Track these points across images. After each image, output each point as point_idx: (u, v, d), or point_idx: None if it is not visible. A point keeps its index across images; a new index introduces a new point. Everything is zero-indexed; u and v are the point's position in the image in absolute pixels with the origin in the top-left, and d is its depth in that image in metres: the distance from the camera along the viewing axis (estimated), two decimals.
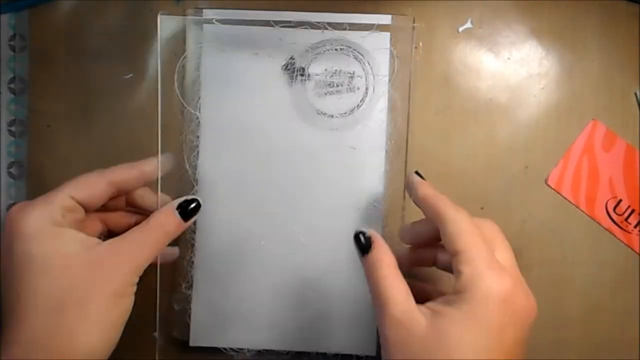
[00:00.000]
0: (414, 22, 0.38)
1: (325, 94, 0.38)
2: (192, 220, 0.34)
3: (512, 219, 0.40)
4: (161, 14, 0.37)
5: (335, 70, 0.38)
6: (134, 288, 0.32)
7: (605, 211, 0.40)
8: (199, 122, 0.39)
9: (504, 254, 0.30)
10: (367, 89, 0.38)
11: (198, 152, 0.39)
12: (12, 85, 0.41)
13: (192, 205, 0.34)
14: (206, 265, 0.39)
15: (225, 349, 0.39)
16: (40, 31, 0.41)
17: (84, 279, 0.30)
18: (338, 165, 0.39)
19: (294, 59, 0.38)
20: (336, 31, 0.38)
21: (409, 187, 0.34)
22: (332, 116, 0.39)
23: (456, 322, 0.27)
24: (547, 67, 0.40)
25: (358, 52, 0.38)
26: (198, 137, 0.39)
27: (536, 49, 0.40)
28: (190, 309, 0.39)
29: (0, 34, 0.41)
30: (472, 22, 0.40)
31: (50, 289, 0.29)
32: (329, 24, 0.38)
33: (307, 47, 0.38)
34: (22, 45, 0.41)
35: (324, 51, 0.38)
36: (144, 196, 0.36)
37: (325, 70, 0.38)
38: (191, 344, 0.39)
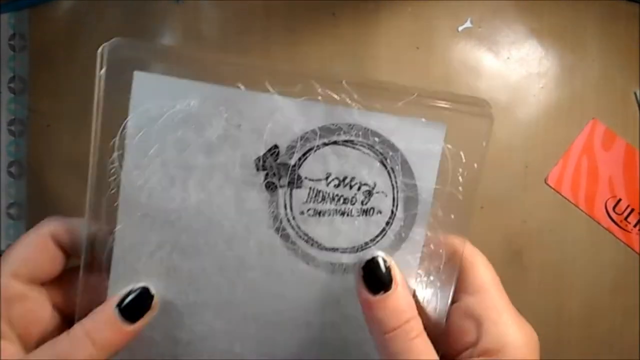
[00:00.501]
0: (489, 108, 0.24)
1: (322, 213, 0.24)
2: (145, 321, 0.23)
3: (512, 218, 0.40)
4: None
5: (345, 177, 0.24)
6: None
7: (604, 210, 0.40)
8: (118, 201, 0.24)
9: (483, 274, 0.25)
10: (393, 214, 0.25)
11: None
12: (12, 85, 0.41)
13: (143, 303, 0.23)
14: None
15: None
16: (40, 31, 0.41)
17: None
18: (346, 316, 0.25)
19: (277, 148, 0.23)
20: (355, 110, 0.23)
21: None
22: (328, 249, 0.25)
23: None
24: (546, 66, 0.40)
25: (388, 150, 0.24)
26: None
27: (536, 49, 0.40)
28: None
29: (0, 33, 0.41)
30: (471, 22, 0.40)
31: None
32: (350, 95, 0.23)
33: (304, 131, 0.23)
34: (22, 45, 0.41)
35: (330, 143, 0.24)
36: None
37: (328, 175, 0.24)
38: None
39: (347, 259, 0.25)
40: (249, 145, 0.23)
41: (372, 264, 0.23)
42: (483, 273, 0.25)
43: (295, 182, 0.24)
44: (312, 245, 0.24)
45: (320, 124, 0.23)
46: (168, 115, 0.23)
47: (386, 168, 0.24)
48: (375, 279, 0.22)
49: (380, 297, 0.22)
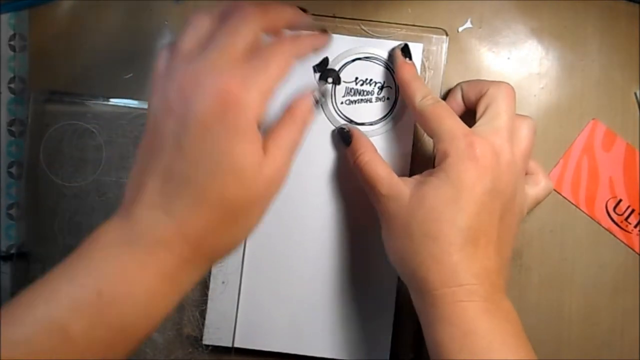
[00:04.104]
0: (446, 35, 0.39)
1: (355, 102, 0.39)
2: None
3: None
4: None
5: (366, 79, 0.39)
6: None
7: (605, 211, 0.40)
8: None
9: (485, 120, 0.33)
10: (396, 98, 0.39)
11: None
12: (12, 85, 0.41)
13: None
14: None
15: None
16: (40, 31, 0.41)
17: (260, 193, 0.30)
18: None
19: (327, 60, 0.39)
20: (370, 39, 0.39)
21: (393, 65, 0.38)
22: (359, 123, 0.39)
23: (433, 186, 0.31)
24: (547, 66, 0.40)
25: (389, 62, 0.38)
26: None
27: (536, 49, 0.40)
28: (203, 304, 0.39)
29: (1, 33, 0.41)
30: (471, 22, 0.40)
31: (233, 199, 0.29)
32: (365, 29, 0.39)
33: (340, 52, 0.38)
34: (22, 45, 0.41)
35: (356, 59, 0.39)
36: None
37: (356, 78, 0.39)
38: (206, 341, 0.39)
39: (366, 128, 0.39)
40: (311, 59, 0.38)
41: (339, 132, 0.38)
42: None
43: (336, 82, 0.39)
44: (348, 121, 0.39)
45: (350, 47, 0.39)
46: None
47: (390, 72, 0.38)
48: (343, 138, 0.37)
49: (349, 147, 0.37)
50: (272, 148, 0.31)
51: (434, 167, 0.33)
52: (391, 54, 0.38)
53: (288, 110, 0.33)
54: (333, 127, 0.39)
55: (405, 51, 0.37)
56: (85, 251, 0.28)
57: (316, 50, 0.36)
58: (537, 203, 0.36)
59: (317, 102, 0.34)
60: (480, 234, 0.31)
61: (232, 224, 0.30)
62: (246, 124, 0.29)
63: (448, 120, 0.33)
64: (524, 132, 0.33)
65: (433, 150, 0.38)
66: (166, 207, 0.29)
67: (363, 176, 0.34)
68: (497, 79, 0.40)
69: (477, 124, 0.33)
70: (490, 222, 0.31)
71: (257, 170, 0.29)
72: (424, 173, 0.33)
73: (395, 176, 0.33)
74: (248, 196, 0.30)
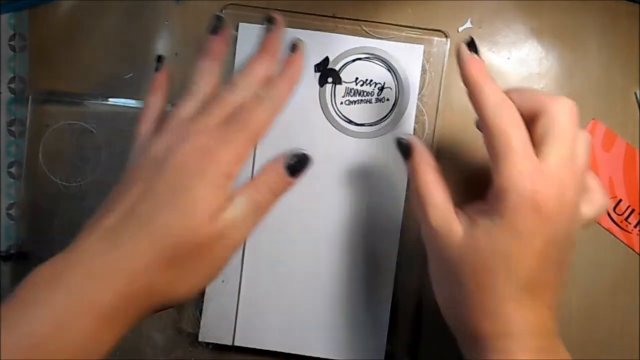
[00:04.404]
0: (447, 37, 0.39)
1: (354, 102, 0.38)
2: (301, 176, 0.35)
3: None
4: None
5: (366, 79, 0.38)
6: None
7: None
8: None
9: (551, 149, 0.28)
10: (396, 100, 0.38)
11: None
12: (12, 85, 0.41)
13: (303, 160, 0.35)
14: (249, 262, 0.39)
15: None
16: (40, 31, 0.41)
17: (209, 240, 0.30)
18: (361, 173, 0.39)
19: (328, 60, 0.38)
20: (371, 39, 0.38)
21: (457, 61, 0.32)
22: (358, 124, 0.38)
23: (488, 231, 0.28)
24: (547, 66, 0.40)
25: (390, 63, 0.38)
26: None
27: (536, 49, 0.40)
28: (202, 303, 0.39)
29: (1, 33, 0.41)
30: (471, 22, 0.40)
31: (180, 241, 0.30)
32: (367, 30, 0.38)
33: (340, 52, 0.38)
34: (22, 45, 0.41)
35: (356, 59, 0.38)
36: None
37: (357, 79, 0.38)
38: (201, 339, 0.39)
39: (366, 129, 0.39)
40: (312, 58, 0.38)
41: (398, 143, 0.33)
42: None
43: (337, 82, 0.39)
44: (347, 122, 0.39)
45: (351, 47, 0.39)
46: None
47: (391, 73, 0.38)
48: (402, 151, 0.33)
49: (409, 160, 0.32)
50: (234, 204, 0.31)
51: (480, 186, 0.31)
52: (457, 48, 0.32)
53: (262, 171, 0.34)
54: (332, 128, 0.39)
55: (472, 46, 0.31)
56: (21, 292, 0.28)
57: (291, 96, 0.36)
58: (591, 223, 0.32)
59: (289, 168, 0.34)
60: (538, 285, 0.28)
61: (177, 267, 0.29)
62: (215, 174, 0.30)
63: (515, 144, 0.28)
64: (582, 149, 0.29)
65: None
66: (111, 240, 0.29)
67: (418, 197, 0.31)
68: (497, 79, 0.40)
69: (539, 154, 0.28)
70: (549, 270, 0.29)
71: (210, 218, 0.30)
72: (477, 206, 0.30)
73: (451, 207, 0.30)
74: (194, 241, 0.29)
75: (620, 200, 0.40)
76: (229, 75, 0.37)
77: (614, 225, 0.40)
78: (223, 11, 0.37)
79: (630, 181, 0.40)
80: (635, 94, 0.40)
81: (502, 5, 0.40)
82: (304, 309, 0.39)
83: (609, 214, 0.40)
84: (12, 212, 0.42)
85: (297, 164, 0.34)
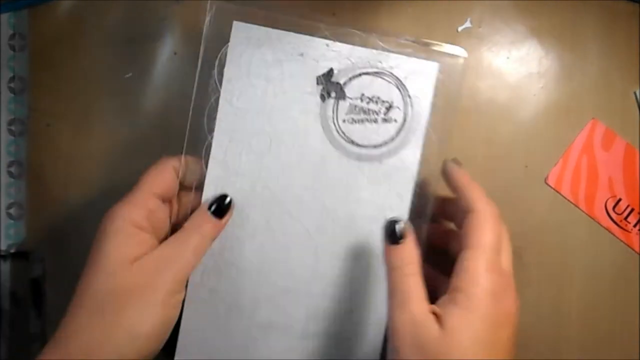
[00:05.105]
0: (463, 57, 0.35)
1: (358, 121, 0.35)
2: (228, 217, 0.34)
3: (512, 218, 0.40)
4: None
5: (373, 96, 0.34)
6: (180, 296, 0.32)
7: (604, 210, 0.40)
8: (215, 116, 0.34)
9: (506, 256, 0.32)
10: (404, 122, 0.35)
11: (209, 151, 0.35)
12: (12, 85, 0.41)
13: (226, 202, 0.34)
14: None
15: None
16: (40, 31, 0.41)
17: (130, 285, 0.30)
18: (360, 198, 0.35)
19: (332, 72, 0.35)
20: (382, 52, 0.34)
21: (444, 174, 0.34)
22: (360, 145, 0.35)
23: (465, 322, 0.29)
24: (546, 66, 0.40)
25: (401, 80, 0.34)
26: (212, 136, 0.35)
27: (536, 49, 0.40)
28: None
29: (1, 33, 0.41)
30: (471, 22, 0.40)
31: (98, 288, 0.30)
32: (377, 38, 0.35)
33: (347, 64, 0.34)
34: (22, 45, 0.41)
35: (363, 73, 0.34)
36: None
37: (362, 95, 0.34)
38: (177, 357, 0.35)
39: (369, 151, 0.35)
40: (315, 70, 0.35)
41: (390, 227, 0.32)
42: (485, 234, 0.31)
43: (340, 97, 0.35)
44: (348, 142, 0.35)
45: (357, 60, 0.35)
46: (257, 49, 0.34)
47: (400, 91, 0.35)
48: (392, 237, 0.31)
49: (393, 248, 0.31)
50: (157, 251, 0.32)
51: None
52: (442, 168, 0.34)
53: (183, 229, 0.33)
54: (331, 147, 0.35)
55: (457, 163, 0.35)
56: None
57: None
58: None
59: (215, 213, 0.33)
60: None
61: (99, 316, 0.30)
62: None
63: (492, 246, 0.31)
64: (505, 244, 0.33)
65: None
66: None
67: (397, 288, 0.31)
68: (497, 79, 0.40)
69: (474, 258, 0.30)
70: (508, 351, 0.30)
71: (126, 265, 0.30)
72: (446, 298, 0.30)
73: (428, 303, 0.30)
74: (112, 288, 0.30)
75: (619, 200, 0.40)
76: (217, 72, 0.34)
77: (614, 224, 0.40)
78: (214, 8, 0.33)
79: (630, 180, 0.40)
80: (635, 93, 0.40)
81: (502, 5, 0.40)
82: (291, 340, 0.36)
83: (608, 214, 0.40)
84: (12, 211, 0.42)
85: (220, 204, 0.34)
